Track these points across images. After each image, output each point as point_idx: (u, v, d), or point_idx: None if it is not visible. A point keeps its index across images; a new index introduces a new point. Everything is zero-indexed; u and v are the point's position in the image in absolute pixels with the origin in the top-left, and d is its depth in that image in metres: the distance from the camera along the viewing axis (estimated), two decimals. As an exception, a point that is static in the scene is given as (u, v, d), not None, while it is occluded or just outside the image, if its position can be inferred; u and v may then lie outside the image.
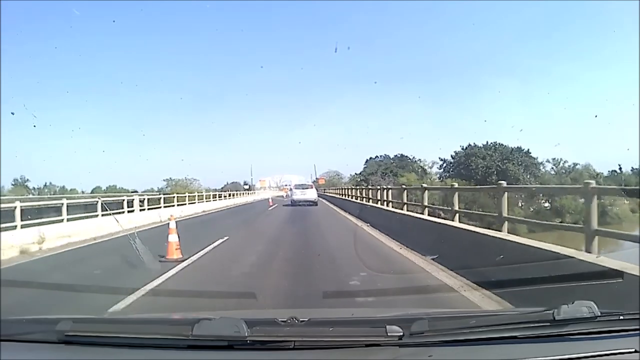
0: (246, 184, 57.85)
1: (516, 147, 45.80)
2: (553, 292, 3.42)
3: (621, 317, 1.55)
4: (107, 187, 47.11)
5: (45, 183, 47.17)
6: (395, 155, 57.31)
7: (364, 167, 58.54)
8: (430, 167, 51.67)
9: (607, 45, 53.87)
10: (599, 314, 1.51)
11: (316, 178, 59.28)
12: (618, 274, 3.32)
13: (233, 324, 1.47)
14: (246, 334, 1.45)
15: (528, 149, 45.41)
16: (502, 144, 47.02)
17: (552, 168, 45.12)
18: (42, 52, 54.61)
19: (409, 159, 56.22)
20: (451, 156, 48.78)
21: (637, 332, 1.48)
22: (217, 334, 1.48)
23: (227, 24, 60.94)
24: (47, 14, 51.95)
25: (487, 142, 47.16)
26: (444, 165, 50.15)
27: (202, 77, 72.77)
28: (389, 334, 1.46)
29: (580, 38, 55.26)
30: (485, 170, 44.23)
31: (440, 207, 12.49)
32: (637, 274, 3.25)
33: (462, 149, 48.51)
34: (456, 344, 1.49)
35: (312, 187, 27.55)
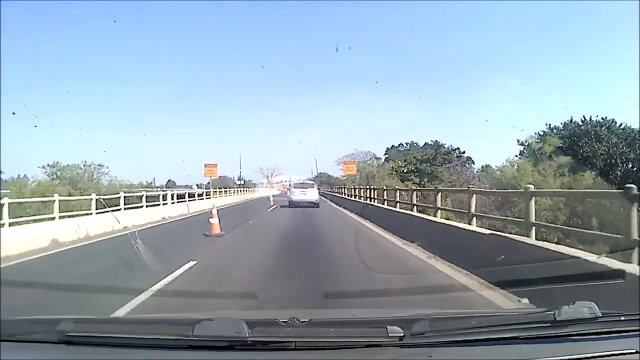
0: (240, 179, 50.62)
1: (640, 127, 29.38)
2: (554, 292, 3.42)
3: (622, 318, 1.54)
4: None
5: (19, 175, 45.42)
6: (426, 143, 46.70)
7: (385, 157, 49.89)
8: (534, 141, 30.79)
9: (608, 45, 53.96)
10: (600, 315, 1.51)
11: (316, 175, 53.66)
12: (619, 274, 3.32)
13: (234, 325, 1.47)
14: (247, 335, 1.45)
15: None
16: (615, 121, 30.88)
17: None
18: (43, 52, 54.99)
19: (444, 146, 45.11)
20: (539, 137, 31.56)
21: (638, 332, 1.47)
22: (218, 334, 1.48)
23: (228, 25, 61.22)
24: (48, 15, 52.18)
25: (590, 118, 31.20)
26: (525, 149, 31.13)
27: (204, 77, 73.27)
28: (389, 335, 1.45)
29: (581, 38, 55.23)
30: (606, 159, 28.98)
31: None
32: (638, 275, 3.25)
33: (548, 127, 32.42)
34: (457, 345, 1.49)
35: (313, 187, 27.12)
